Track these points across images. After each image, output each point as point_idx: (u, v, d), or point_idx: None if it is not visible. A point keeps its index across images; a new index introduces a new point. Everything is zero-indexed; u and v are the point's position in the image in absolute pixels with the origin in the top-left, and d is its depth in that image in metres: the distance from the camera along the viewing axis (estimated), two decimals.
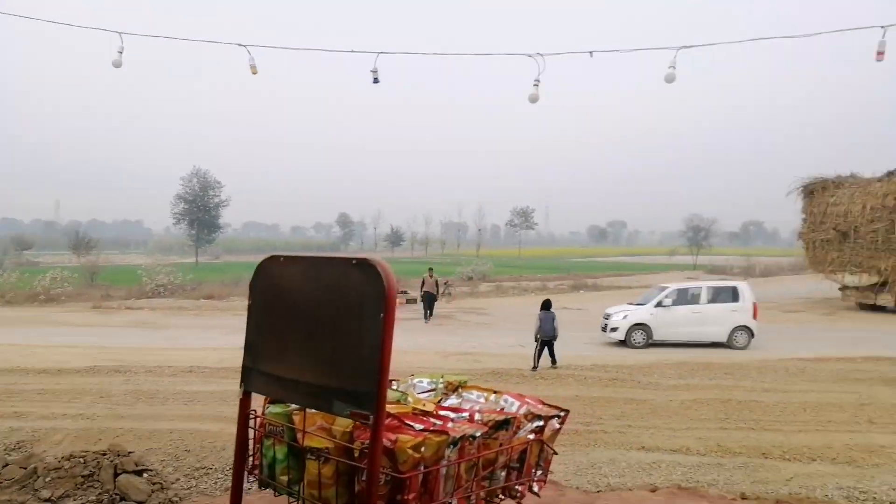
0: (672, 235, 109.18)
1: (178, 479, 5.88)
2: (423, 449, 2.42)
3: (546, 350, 12.47)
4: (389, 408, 2.52)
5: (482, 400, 3.23)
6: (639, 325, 16.01)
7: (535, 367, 12.23)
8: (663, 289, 16.88)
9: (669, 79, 8.55)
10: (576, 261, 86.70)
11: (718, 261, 63.46)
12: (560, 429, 3.24)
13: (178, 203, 69.91)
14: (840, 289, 24.29)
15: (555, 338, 12.56)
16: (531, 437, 3.01)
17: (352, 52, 9.15)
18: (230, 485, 5.87)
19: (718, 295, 16.29)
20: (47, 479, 4.95)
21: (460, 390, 3.35)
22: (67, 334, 17.24)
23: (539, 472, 3.15)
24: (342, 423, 2.55)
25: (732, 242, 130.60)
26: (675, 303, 16.12)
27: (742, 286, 16.59)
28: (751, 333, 15.60)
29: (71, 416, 8.49)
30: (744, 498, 5.64)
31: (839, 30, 8.10)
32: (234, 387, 9.97)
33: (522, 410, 3.07)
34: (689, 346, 15.48)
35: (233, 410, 9.10)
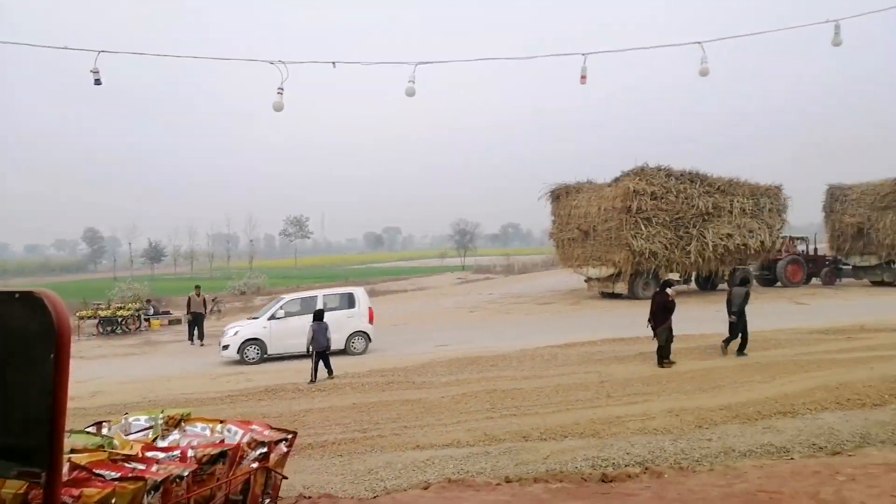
0: (442, 239, 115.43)
1: None
2: (113, 500, 2.22)
3: (321, 361, 12.29)
4: (81, 457, 2.24)
5: (206, 432, 3.05)
6: (252, 340, 15.60)
7: (312, 380, 11.98)
8: (280, 300, 16.61)
9: (409, 92, 9.03)
10: (353, 268, 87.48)
11: (483, 261, 68.53)
12: (288, 452, 3.18)
13: None
14: (585, 280, 27.63)
15: (328, 348, 12.43)
16: (255, 465, 2.89)
17: (65, 48, 8.15)
18: None
19: (334, 302, 16.36)
20: None
21: (183, 424, 3.13)
22: None
23: (267, 501, 3.04)
24: (13, 485, 2.21)
25: (494, 243, 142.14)
26: (288, 314, 15.74)
27: (358, 292, 16.82)
28: (367, 338, 15.92)
29: None
30: (507, 481, 6.06)
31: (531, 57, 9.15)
32: None
33: (245, 439, 2.97)
34: (459, 342, 16.37)
35: None
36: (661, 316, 11.93)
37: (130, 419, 3.08)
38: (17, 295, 1.96)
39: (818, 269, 29.48)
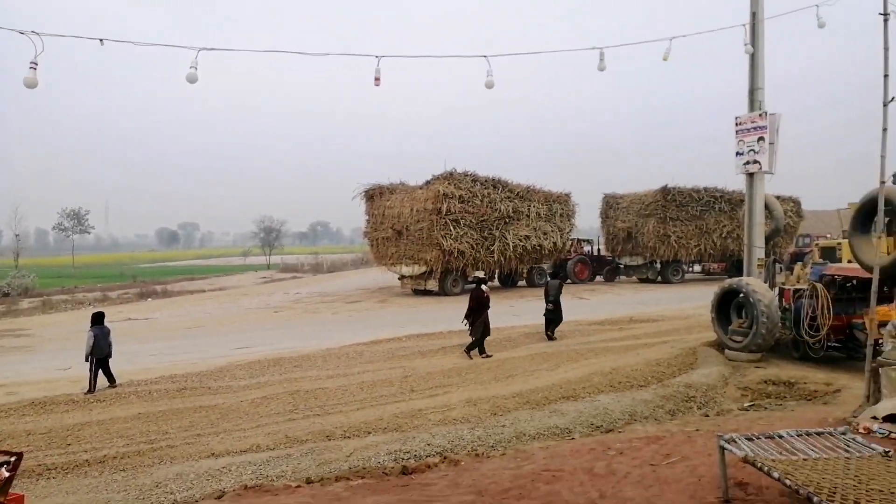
0: (245, 236, 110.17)
1: None
2: None
3: (101, 369, 11.04)
4: None
5: None
6: None
7: (91, 390, 10.71)
8: None
9: (191, 78, 8.53)
10: (143, 266, 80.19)
11: (290, 259, 66.64)
12: (12, 476, 2.82)
13: None
14: (399, 278, 28.11)
15: (109, 355, 11.20)
16: None
17: None
18: None
19: None
20: None
21: None
22: None
23: None
24: None
25: (302, 241, 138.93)
26: None
27: None
28: None
29: None
30: (308, 482, 5.91)
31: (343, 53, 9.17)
32: None
33: None
34: (261, 344, 15.70)
35: None
36: (477, 311, 12.58)
37: None
38: None
39: (602, 268, 33.29)
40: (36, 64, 7.56)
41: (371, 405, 8.96)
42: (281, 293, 32.13)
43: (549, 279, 15.05)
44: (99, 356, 10.98)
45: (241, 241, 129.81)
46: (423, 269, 25.88)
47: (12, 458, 2.62)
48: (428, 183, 26.16)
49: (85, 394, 10.60)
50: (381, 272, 29.48)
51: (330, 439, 7.44)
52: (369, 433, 7.57)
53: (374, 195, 28.43)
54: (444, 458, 6.26)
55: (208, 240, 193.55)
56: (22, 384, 11.99)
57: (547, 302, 14.28)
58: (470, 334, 12.61)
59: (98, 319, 11.48)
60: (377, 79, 9.22)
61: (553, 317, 14.21)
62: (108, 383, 11.02)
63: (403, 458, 6.46)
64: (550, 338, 14.00)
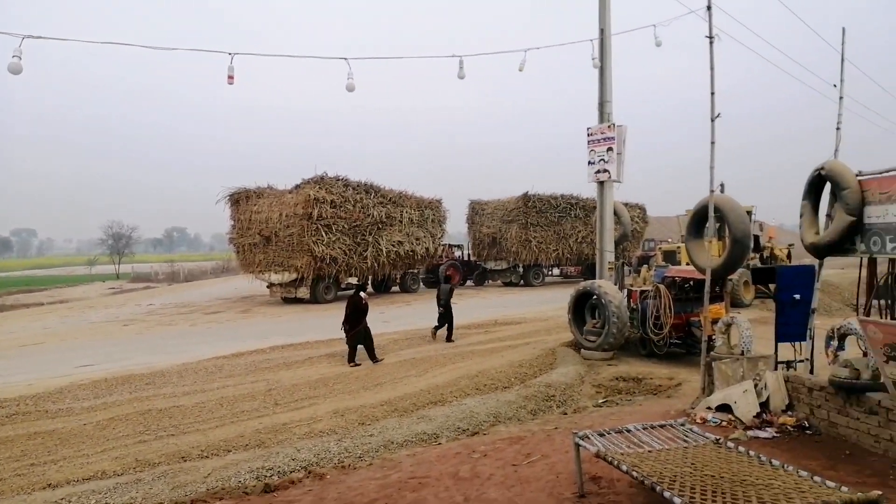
0: (91, 244, 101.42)
1: None
2: None
3: None
4: None
5: None
6: None
7: None
8: None
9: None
10: None
11: (143, 268, 62.23)
12: None
13: None
14: (268, 286, 26.97)
15: None
16: None
17: None
18: None
19: None
20: None
21: None
22: None
23: None
24: None
25: (157, 249, 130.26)
26: None
27: None
28: None
29: None
30: None
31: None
32: None
33: None
34: (109, 361, 14.46)
35: None
36: (354, 318, 12.41)
37: None
38: None
39: (471, 273, 34.17)
40: None
41: (231, 422, 8.54)
42: (132, 305, 29.83)
43: (441, 284, 15.50)
44: None
45: (86, 249, 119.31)
46: (294, 276, 25.10)
47: None
48: (298, 187, 25.43)
49: None
50: (246, 280, 28.22)
51: (186, 460, 6.99)
52: (229, 451, 7.20)
53: (239, 199, 27.13)
54: (309, 472, 6.09)
55: (48, 247, 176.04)
56: None
57: (439, 306, 14.88)
58: (346, 342, 12.45)
59: None
60: (230, 77, 8.87)
61: (445, 320, 14.72)
62: None
63: (266, 476, 6.20)
64: (434, 336, 14.64)
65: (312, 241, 23.97)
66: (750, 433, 6.25)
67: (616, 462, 4.35)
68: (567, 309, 12.03)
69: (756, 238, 20.44)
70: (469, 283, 34.26)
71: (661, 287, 10.81)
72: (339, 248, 24.75)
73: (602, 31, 12.06)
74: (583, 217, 33.11)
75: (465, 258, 35.38)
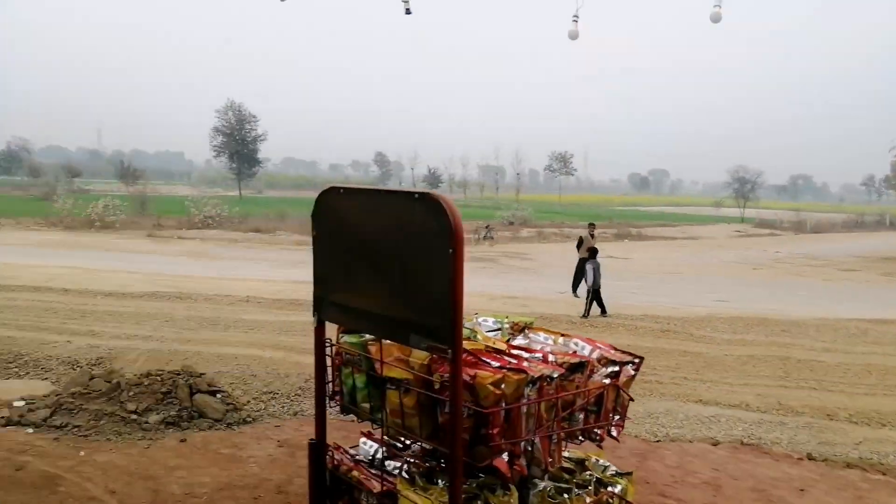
0: (716, 187, 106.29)
1: (248, 402, 6.07)
2: (503, 386, 2.40)
3: (595, 299, 12.41)
4: (465, 344, 2.48)
5: (550, 342, 3.13)
6: None
7: (585, 315, 12.19)
8: None
9: (714, 18, 8.06)
10: (618, 209, 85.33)
11: (766, 214, 61.78)
12: (635, 375, 3.15)
13: (216, 136, 70.02)
14: None
15: (600, 287, 12.48)
16: (607, 381, 2.94)
17: None
18: (298, 409, 6.08)
19: None
20: (130, 394, 5.16)
21: (526, 331, 3.27)
22: (126, 260, 17.80)
23: (616, 417, 3.10)
24: (419, 356, 2.52)
25: (780, 196, 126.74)
26: None
27: None
28: None
29: (141, 337, 8.84)
30: (810, 458, 5.57)
31: None
32: (290, 317, 10.13)
33: (595, 355, 2.97)
34: (740, 300, 15.17)
35: (293, 340, 9.30)
36: None
37: (479, 319, 3.36)
38: (416, 196, 2.28)
39: None
40: (578, 17, 8.41)
41: (883, 394, 7.82)
42: (757, 249, 30.21)
43: None
44: (595, 287, 12.36)
45: (710, 191, 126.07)
46: None
47: (637, 360, 3.12)
48: None
49: (581, 317, 12.10)
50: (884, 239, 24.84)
51: (831, 419, 6.81)
52: (883, 425, 6.65)
53: None
54: None
55: (677, 187, 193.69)
56: (531, 299, 14.37)
57: None
58: None
59: (594, 254, 12.88)
60: None
61: None
62: (600, 312, 12.34)
63: None
64: None
65: None
66: None
67: None
68: None
69: None
70: None
71: None
72: None
73: None
74: None
75: None
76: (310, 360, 7.89)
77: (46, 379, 6.80)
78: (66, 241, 22.80)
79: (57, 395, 5.29)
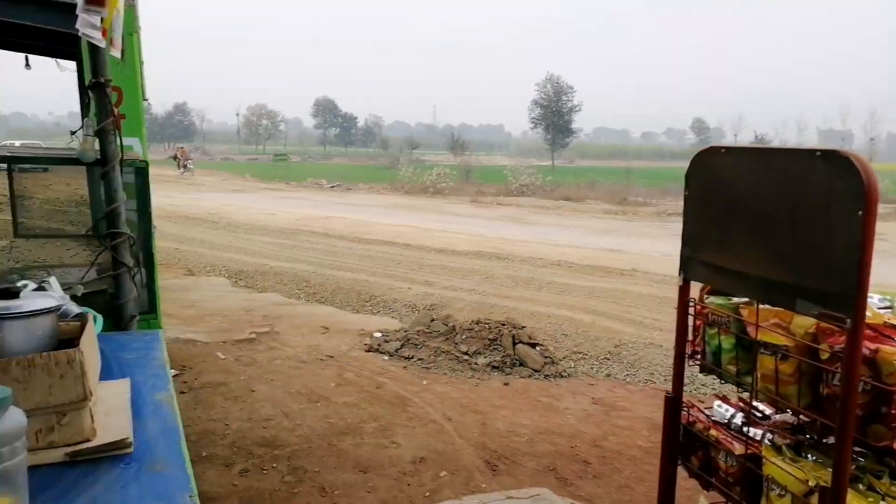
0: None
1: (562, 358, 6.31)
2: None
3: None
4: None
5: None
6: None
7: None
8: None
9: None
10: None
11: None
12: None
13: (534, 108, 72.95)
14: None
15: None
16: None
17: None
18: (609, 372, 6.13)
19: None
20: (463, 337, 5.77)
21: None
22: (453, 222, 19.79)
23: None
24: (803, 323, 2.34)
25: None
26: None
27: None
28: None
29: (466, 289, 9.77)
30: None
31: None
32: (599, 284, 10.20)
33: None
34: None
35: (602, 305, 9.35)
36: None
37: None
38: (818, 153, 2.07)
39: None
40: None
41: None
42: None
43: None
44: None
45: None
46: None
47: None
48: None
49: None
50: None
51: None
52: None
53: None
54: None
55: None
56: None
57: None
58: None
59: None
60: None
61: None
62: None
63: None
64: None
65: None
66: None
67: None
68: None
69: None
70: None
71: None
72: None
73: None
74: None
75: None
76: (619, 326, 7.92)
77: (395, 318, 7.98)
78: (407, 203, 26.24)
79: (405, 332, 6.19)
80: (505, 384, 5.22)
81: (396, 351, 5.81)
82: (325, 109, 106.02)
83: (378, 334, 6.39)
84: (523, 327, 6.09)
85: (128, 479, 1.30)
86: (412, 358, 5.66)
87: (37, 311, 1.42)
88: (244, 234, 15.17)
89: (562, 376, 5.67)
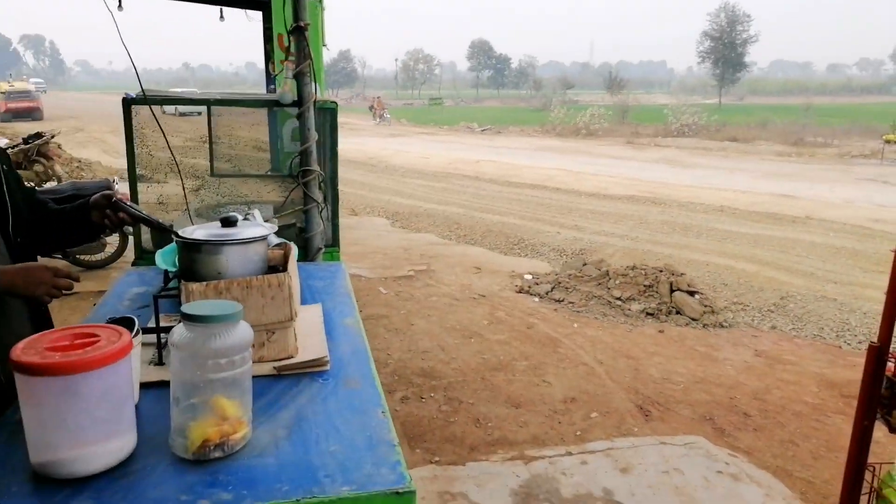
0: None
1: (722, 308, 6.02)
2: None
3: None
4: None
5: None
6: None
7: None
8: None
9: None
10: None
11: None
12: None
13: (704, 41, 67.26)
14: None
15: None
16: None
17: None
18: (773, 324, 5.76)
19: None
20: (616, 282, 5.69)
21: None
22: (606, 165, 19.16)
23: None
24: None
25: None
26: None
27: None
28: None
29: (618, 235, 9.54)
30: None
31: None
32: (766, 231, 9.54)
33: None
34: None
35: (768, 255, 8.79)
36: None
37: None
38: None
39: None
40: None
41: None
42: None
43: None
44: None
45: None
46: None
47: None
48: None
49: None
50: None
51: None
52: None
53: None
54: None
55: None
56: None
57: None
58: None
59: None
60: None
61: None
62: None
63: None
64: None
65: None
66: None
67: None
68: None
69: None
70: None
71: None
72: None
73: None
74: None
75: None
76: (786, 277, 7.38)
77: (544, 261, 8.01)
78: (558, 146, 25.72)
79: (556, 275, 6.22)
80: (659, 331, 5.11)
81: (547, 293, 5.87)
82: (480, 51, 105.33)
83: (528, 276, 6.47)
84: (682, 274, 5.87)
85: (327, 393, 1.48)
86: (563, 301, 5.69)
87: (252, 238, 1.62)
88: (400, 178, 15.78)
89: (721, 326, 5.43)
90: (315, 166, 2.77)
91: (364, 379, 1.58)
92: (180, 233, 1.79)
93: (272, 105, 2.96)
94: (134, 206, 1.71)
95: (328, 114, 2.83)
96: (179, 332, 1.24)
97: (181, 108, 14.43)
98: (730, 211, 11.73)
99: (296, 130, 4.94)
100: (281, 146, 4.62)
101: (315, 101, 2.68)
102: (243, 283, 1.61)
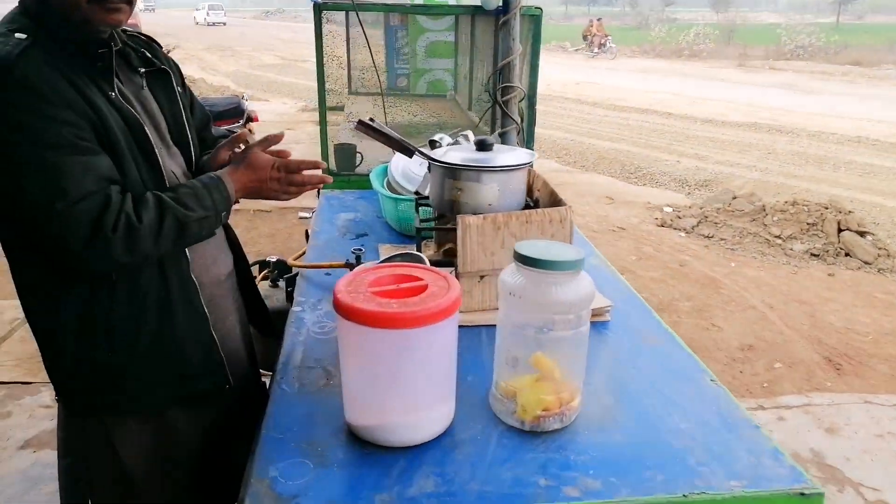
0: None
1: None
2: None
3: None
4: None
5: None
6: None
7: None
8: None
9: None
10: None
11: None
12: None
13: None
14: None
15: None
16: None
17: None
18: None
19: None
20: (774, 219, 5.21)
21: None
22: (717, 88, 17.84)
23: None
24: None
25: None
26: None
27: None
28: None
29: (744, 166, 8.87)
30: None
31: None
32: None
33: None
34: None
35: None
36: None
37: None
38: None
39: None
40: None
41: None
42: None
43: None
44: None
45: None
46: None
47: None
48: None
49: None
50: None
51: None
52: None
53: None
54: None
55: None
56: None
57: None
58: None
59: None
60: None
61: None
62: None
63: None
64: None
65: None
66: None
67: None
68: None
69: None
70: None
71: None
72: None
73: None
74: None
75: None
76: None
77: (665, 190, 7.49)
78: (660, 67, 24.14)
79: (700, 209, 5.76)
80: (829, 275, 4.64)
81: (693, 228, 5.46)
82: None
83: (668, 209, 6.04)
84: (850, 212, 5.30)
85: (627, 350, 1.33)
86: (712, 237, 5.27)
87: (518, 164, 1.42)
88: None
89: None
90: (517, 82, 2.47)
91: (661, 335, 1.37)
92: (433, 156, 1.57)
93: (475, 12, 2.66)
94: (377, 121, 1.48)
95: (532, 21, 2.51)
96: (511, 274, 1.03)
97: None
98: (868, 142, 10.70)
99: (431, 45, 4.59)
100: (414, 63, 4.29)
101: (520, 7, 2.37)
102: (522, 216, 1.39)
